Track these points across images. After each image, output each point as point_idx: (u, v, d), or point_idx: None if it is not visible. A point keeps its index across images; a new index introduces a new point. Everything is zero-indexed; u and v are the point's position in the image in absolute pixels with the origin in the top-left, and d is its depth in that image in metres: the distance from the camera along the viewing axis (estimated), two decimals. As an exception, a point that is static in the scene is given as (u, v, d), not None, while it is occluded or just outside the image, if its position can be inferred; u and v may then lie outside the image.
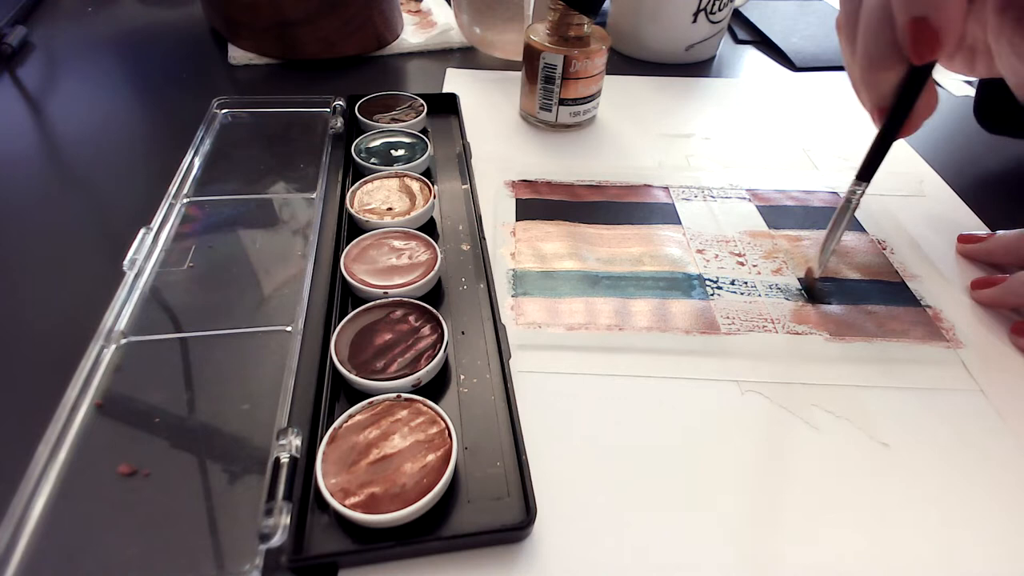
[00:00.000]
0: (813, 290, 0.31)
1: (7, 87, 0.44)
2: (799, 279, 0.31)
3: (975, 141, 0.43)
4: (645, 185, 0.37)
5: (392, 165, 0.35)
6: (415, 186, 0.33)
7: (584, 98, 0.40)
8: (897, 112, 0.26)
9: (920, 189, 0.38)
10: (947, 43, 0.23)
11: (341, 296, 0.28)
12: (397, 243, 0.30)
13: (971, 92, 0.50)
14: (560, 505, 0.22)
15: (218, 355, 0.26)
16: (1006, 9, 0.29)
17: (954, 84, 0.51)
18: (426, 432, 0.22)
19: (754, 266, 0.32)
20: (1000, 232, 0.33)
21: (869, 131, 0.44)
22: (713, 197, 0.37)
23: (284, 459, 0.21)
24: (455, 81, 0.47)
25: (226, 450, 0.22)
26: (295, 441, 0.22)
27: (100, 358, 0.25)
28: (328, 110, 0.40)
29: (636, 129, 0.43)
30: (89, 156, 0.38)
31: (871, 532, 0.22)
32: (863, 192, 0.28)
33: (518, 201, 0.35)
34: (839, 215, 0.29)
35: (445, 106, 0.42)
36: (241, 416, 0.24)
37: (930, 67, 0.25)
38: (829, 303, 0.30)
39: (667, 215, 0.35)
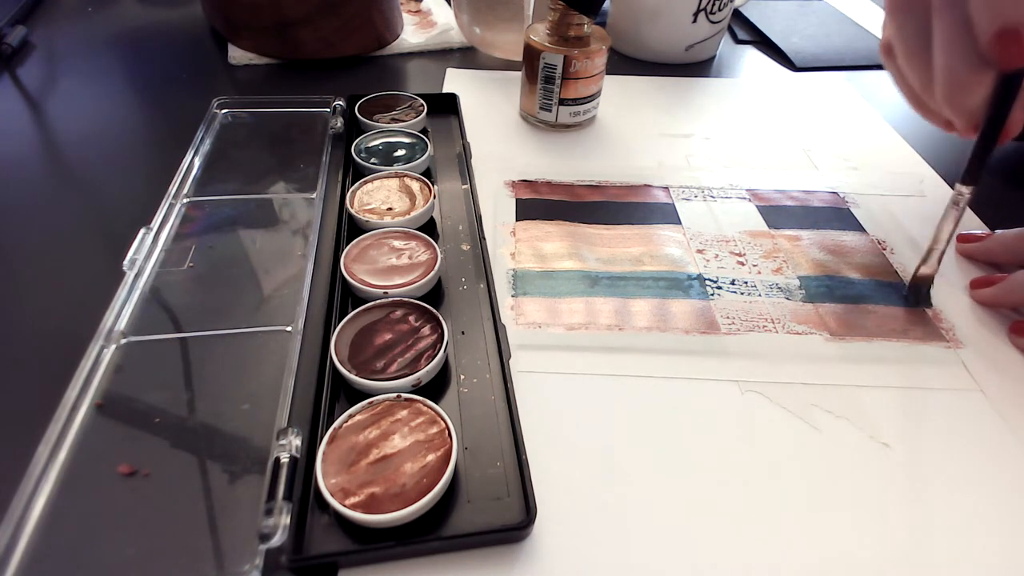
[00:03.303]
0: (920, 294, 0.31)
1: (7, 87, 0.44)
2: (908, 285, 0.31)
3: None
4: (645, 185, 0.37)
5: (392, 165, 0.35)
6: (415, 186, 0.33)
7: (584, 98, 0.40)
8: (995, 119, 0.26)
9: (920, 189, 0.38)
10: None
11: (341, 296, 0.28)
12: (397, 243, 0.30)
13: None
14: (560, 505, 0.22)
15: (218, 355, 0.26)
16: None
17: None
18: (426, 432, 0.22)
19: (754, 266, 0.32)
20: (1000, 231, 0.33)
21: (869, 132, 0.44)
22: (713, 197, 0.37)
23: (284, 459, 0.21)
24: (455, 81, 0.47)
25: (226, 450, 0.22)
26: (295, 441, 0.22)
27: (100, 358, 0.25)
28: (328, 110, 0.40)
29: (636, 129, 0.43)
30: (89, 156, 0.38)
31: (871, 532, 0.22)
32: (970, 195, 0.28)
33: (518, 201, 0.35)
34: (945, 217, 0.29)
35: (445, 106, 0.42)
36: (241, 416, 0.24)
37: (1022, 74, 0.24)
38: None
39: (667, 215, 0.35)
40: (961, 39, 0.24)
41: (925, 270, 0.30)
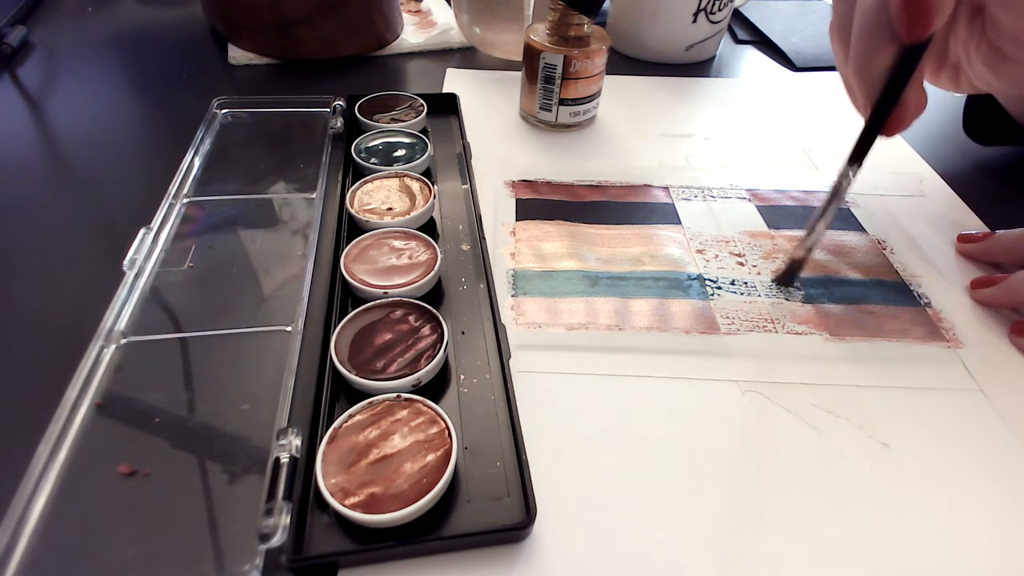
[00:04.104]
0: (787, 274, 0.31)
1: (7, 87, 0.44)
2: (777, 273, 0.31)
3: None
4: (645, 185, 0.37)
5: (392, 165, 0.35)
6: (415, 186, 0.33)
7: (584, 98, 0.40)
8: (887, 94, 0.27)
9: (920, 189, 0.38)
10: (937, 19, 0.24)
11: (341, 296, 0.28)
12: (397, 243, 0.30)
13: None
14: (560, 505, 0.22)
15: (218, 355, 0.26)
16: (974, 18, 0.29)
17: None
18: (426, 432, 0.22)
19: (754, 266, 0.32)
20: (1000, 232, 0.33)
21: (869, 131, 0.44)
22: (713, 197, 0.37)
23: (284, 459, 0.21)
24: (455, 81, 0.47)
25: (226, 450, 0.22)
26: (295, 441, 0.22)
27: (100, 358, 0.25)
28: (328, 110, 0.40)
29: (636, 129, 0.43)
30: (89, 156, 0.38)
31: (871, 532, 0.22)
32: (854, 176, 0.28)
33: (518, 201, 0.35)
34: (828, 199, 0.29)
35: (445, 106, 0.42)
36: (241, 416, 0.24)
37: (920, 50, 0.25)
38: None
39: (667, 215, 0.35)
40: (876, 10, 0.26)
41: (803, 254, 0.30)
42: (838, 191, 0.28)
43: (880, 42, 0.26)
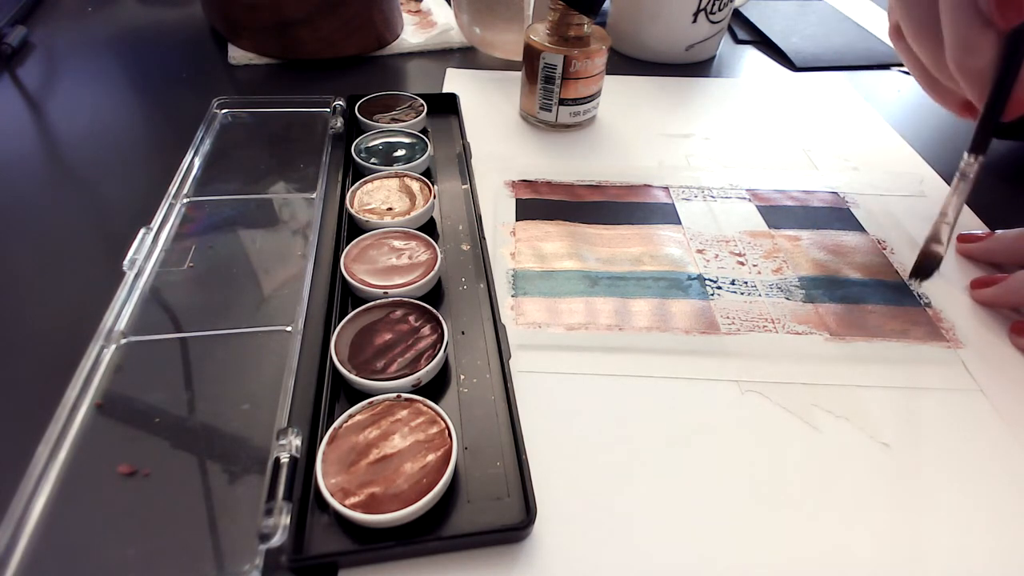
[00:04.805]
0: (922, 269, 0.31)
1: (7, 87, 0.44)
2: (915, 263, 0.31)
3: (975, 141, 0.43)
4: (645, 185, 0.37)
5: (392, 165, 0.35)
6: (415, 186, 0.33)
7: (584, 98, 0.40)
8: (1000, 82, 0.26)
9: (920, 189, 0.38)
10: None
11: (341, 296, 0.28)
12: (397, 243, 0.30)
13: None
14: (560, 505, 0.22)
15: (218, 355, 0.26)
16: None
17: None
18: (426, 432, 0.22)
19: (754, 266, 0.32)
20: (1000, 232, 0.33)
21: (869, 132, 0.44)
22: (713, 197, 0.37)
23: (284, 459, 0.21)
24: (455, 81, 0.47)
25: (226, 450, 0.22)
26: (295, 441, 0.22)
27: (100, 358, 0.25)
28: (328, 110, 0.40)
29: (636, 129, 0.43)
30: (89, 156, 0.38)
31: (870, 532, 0.22)
32: (979, 165, 0.28)
33: (518, 201, 0.35)
34: (955, 190, 0.29)
35: (445, 106, 0.42)
36: (241, 416, 0.24)
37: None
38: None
39: (667, 215, 0.35)
40: (967, 4, 0.25)
41: (936, 248, 0.30)
42: (964, 181, 0.28)
43: (980, 35, 0.25)
